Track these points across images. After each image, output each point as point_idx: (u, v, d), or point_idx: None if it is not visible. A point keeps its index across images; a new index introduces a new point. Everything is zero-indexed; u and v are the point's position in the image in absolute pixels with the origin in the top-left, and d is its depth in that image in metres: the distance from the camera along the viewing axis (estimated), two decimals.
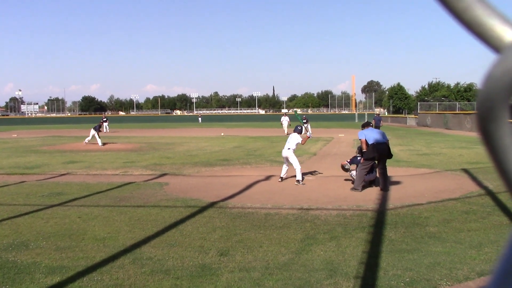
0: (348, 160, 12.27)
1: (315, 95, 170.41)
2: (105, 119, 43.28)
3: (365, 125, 11.97)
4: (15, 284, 5.25)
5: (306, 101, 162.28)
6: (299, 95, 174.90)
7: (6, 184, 12.78)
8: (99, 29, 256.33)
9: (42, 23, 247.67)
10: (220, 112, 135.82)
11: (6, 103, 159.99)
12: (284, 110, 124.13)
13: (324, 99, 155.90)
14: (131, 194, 10.87)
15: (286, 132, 37.83)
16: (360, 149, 11.80)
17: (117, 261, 5.99)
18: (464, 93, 79.87)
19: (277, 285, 5.11)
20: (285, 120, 39.01)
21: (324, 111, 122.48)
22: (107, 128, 43.69)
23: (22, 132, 48.25)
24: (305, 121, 37.33)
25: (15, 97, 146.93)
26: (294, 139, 12.54)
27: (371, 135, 11.22)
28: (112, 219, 8.39)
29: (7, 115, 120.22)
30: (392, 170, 12.95)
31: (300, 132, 12.90)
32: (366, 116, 67.54)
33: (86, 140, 27.27)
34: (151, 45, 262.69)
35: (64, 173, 14.90)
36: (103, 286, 5.15)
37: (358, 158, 11.83)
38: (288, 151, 12.40)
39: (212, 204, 9.53)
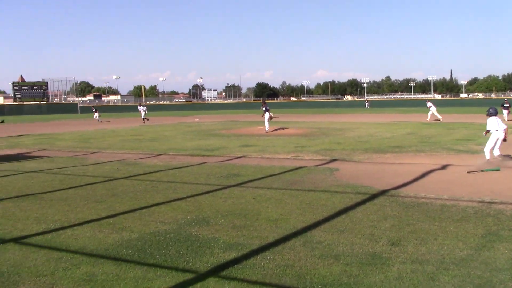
0: None
1: (500, 77, 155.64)
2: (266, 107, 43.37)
3: None
4: (197, 256, 5.72)
5: (489, 84, 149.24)
6: (481, 78, 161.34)
7: (190, 165, 13.97)
8: (272, 19, 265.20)
9: (223, 20, 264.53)
10: (392, 97, 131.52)
11: (189, 90, 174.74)
12: (463, 95, 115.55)
13: (511, 82, 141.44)
14: (302, 178, 11.09)
15: (428, 119, 35.24)
16: None
17: (289, 243, 6.16)
18: None
19: (454, 282, 4.78)
20: (432, 106, 36.05)
21: (511, 95, 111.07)
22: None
23: (203, 117, 52.30)
24: (507, 105, 34.42)
25: (197, 84, 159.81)
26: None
27: None
28: (284, 201, 8.66)
29: (190, 101, 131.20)
30: None
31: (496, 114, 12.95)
32: None
33: (266, 128, 27.05)
34: (321, 31, 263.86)
35: (240, 156, 15.78)
36: (275, 266, 5.34)
37: None
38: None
39: (383, 192, 9.27)
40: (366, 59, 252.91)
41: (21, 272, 5.29)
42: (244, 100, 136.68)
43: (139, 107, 45.64)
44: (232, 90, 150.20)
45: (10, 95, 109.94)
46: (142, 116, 42.55)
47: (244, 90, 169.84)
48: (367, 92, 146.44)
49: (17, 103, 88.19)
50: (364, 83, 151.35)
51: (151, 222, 7.37)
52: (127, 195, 9.55)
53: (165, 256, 5.75)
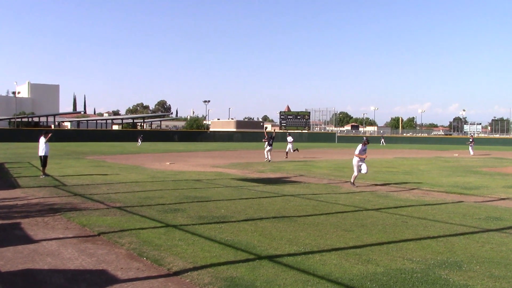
0: None
1: None
2: None
3: None
4: None
5: None
6: None
7: (444, 202, 13.17)
8: None
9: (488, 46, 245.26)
10: None
11: (450, 122, 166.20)
12: None
13: None
14: None
15: None
16: None
17: None
18: None
19: None
20: None
21: None
22: None
23: (464, 152, 48.87)
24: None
25: (459, 117, 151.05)
26: None
27: None
28: None
29: (450, 135, 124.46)
30: None
31: None
32: None
33: None
34: None
35: (504, 198, 14.22)
36: None
37: None
38: None
39: None
40: None
41: None
42: None
43: (288, 137, 37.84)
44: (499, 124, 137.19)
45: (277, 123, 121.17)
46: (288, 148, 36.57)
47: None
48: None
49: (282, 130, 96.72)
50: None
51: (398, 258, 7.14)
52: (375, 227, 9.48)
53: None
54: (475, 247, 7.89)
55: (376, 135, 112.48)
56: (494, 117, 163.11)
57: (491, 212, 11.58)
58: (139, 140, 62.03)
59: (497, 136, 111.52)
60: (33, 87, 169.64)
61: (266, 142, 30.51)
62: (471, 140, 45.55)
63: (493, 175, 22.05)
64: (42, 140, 19.43)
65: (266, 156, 30.01)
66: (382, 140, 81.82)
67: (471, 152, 43.89)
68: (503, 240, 8.46)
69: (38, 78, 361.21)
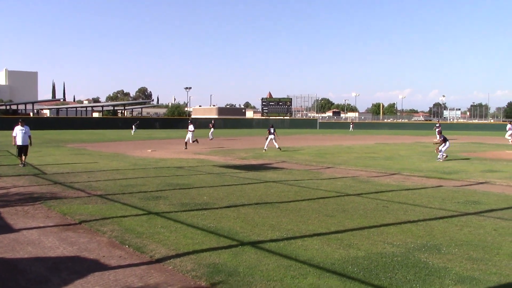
0: None
1: None
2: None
3: None
4: (425, 285, 5.40)
5: None
6: None
7: (424, 187, 13.35)
8: None
9: (468, 34, 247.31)
10: None
11: (430, 108, 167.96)
12: None
13: None
14: None
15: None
16: None
17: None
18: None
19: None
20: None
21: None
22: None
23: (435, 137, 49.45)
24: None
25: (438, 102, 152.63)
26: None
27: None
28: None
29: (430, 120, 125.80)
30: None
31: None
32: None
33: None
34: None
35: (482, 182, 14.46)
36: None
37: None
38: None
39: None
40: None
41: (254, 274, 5.72)
42: (492, 120, 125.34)
43: (189, 125, 32.63)
44: (478, 110, 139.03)
45: (259, 110, 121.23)
46: (188, 138, 31.80)
47: (492, 110, 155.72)
48: None
49: (264, 117, 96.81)
50: None
51: (379, 242, 7.24)
52: (357, 212, 9.58)
53: (391, 279, 5.57)
54: (453, 231, 8.03)
55: (357, 121, 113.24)
56: (473, 102, 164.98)
57: (469, 196, 11.77)
58: (133, 127, 58.56)
59: (475, 121, 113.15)
60: (10, 74, 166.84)
61: (268, 132, 29.19)
62: (438, 125, 46.45)
63: (472, 160, 22.38)
64: (18, 128, 18.84)
65: (275, 145, 28.46)
66: (351, 125, 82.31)
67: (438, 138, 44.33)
68: (481, 223, 8.61)
69: (16, 65, 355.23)
